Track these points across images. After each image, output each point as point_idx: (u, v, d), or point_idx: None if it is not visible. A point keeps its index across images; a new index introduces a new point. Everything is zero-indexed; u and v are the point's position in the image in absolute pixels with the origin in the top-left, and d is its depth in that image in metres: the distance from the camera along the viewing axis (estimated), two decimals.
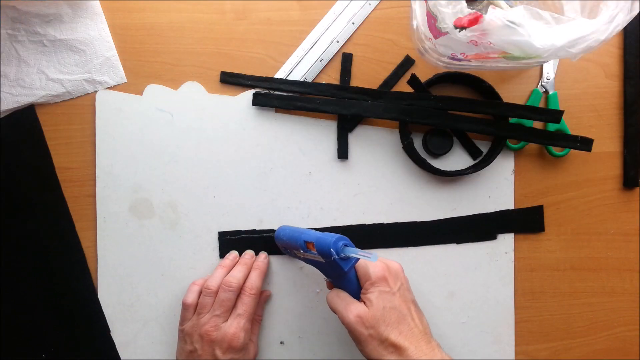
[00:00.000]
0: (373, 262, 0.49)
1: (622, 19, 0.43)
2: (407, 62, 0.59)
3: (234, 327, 0.53)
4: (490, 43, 0.44)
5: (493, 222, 0.60)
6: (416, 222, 0.60)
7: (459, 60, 0.51)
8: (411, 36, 0.58)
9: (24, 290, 0.59)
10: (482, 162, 0.59)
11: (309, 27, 0.59)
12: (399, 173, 0.60)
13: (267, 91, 0.59)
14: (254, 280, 0.56)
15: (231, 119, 0.59)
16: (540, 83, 0.60)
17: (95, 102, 0.58)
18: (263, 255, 0.59)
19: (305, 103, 0.58)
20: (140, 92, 0.59)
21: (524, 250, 0.60)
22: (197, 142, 0.59)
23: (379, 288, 0.49)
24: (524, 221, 0.60)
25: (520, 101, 0.60)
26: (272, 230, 0.59)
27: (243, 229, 0.59)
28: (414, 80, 0.56)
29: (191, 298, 0.56)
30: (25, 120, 0.58)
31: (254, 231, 0.59)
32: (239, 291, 0.55)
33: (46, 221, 0.59)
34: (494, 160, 0.58)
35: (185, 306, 0.56)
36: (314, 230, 0.51)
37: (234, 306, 0.54)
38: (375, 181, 0.60)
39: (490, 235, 0.60)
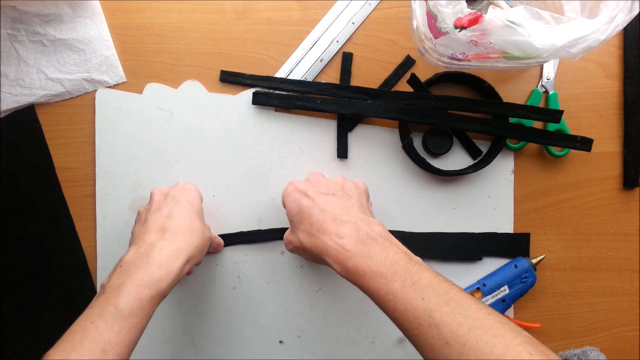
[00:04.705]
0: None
1: (622, 19, 0.43)
2: (408, 62, 0.59)
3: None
4: (490, 43, 0.44)
5: (479, 244, 0.60)
6: (403, 232, 0.59)
7: (459, 60, 0.51)
8: (411, 36, 0.58)
9: (24, 290, 0.59)
10: (481, 161, 0.59)
11: (309, 27, 0.59)
12: (398, 172, 0.60)
13: (267, 90, 0.59)
14: None
15: (231, 118, 0.59)
16: (540, 83, 0.59)
17: (95, 101, 0.58)
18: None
19: (305, 102, 0.58)
20: (140, 92, 0.59)
21: None
22: (196, 140, 0.59)
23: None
24: (510, 247, 0.60)
25: (520, 101, 0.60)
26: (261, 231, 0.59)
27: (242, 228, 0.59)
28: (413, 80, 0.56)
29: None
30: (25, 120, 0.58)
31: (241, 233, 0.59)
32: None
33: (46, 221, 0.59)
34: (494, 160, 0.58)
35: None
36: None
37: None
38: (375, 180, 0.60)
39: (475, 256, 0.60)
